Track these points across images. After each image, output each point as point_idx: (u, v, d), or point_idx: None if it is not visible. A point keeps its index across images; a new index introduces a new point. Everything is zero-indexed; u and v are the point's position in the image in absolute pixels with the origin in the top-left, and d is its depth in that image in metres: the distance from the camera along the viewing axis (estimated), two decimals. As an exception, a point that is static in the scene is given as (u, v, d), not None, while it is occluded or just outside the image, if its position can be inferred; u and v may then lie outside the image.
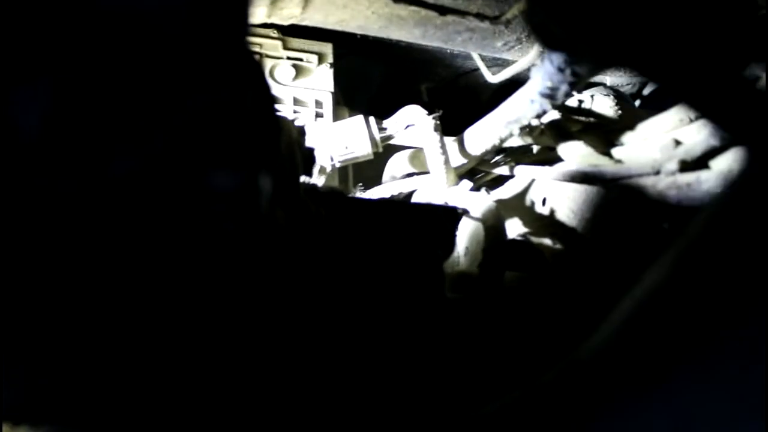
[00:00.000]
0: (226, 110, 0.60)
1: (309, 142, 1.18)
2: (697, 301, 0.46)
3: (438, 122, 1.54)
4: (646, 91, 2.48)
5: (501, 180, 1.78)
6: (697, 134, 1.17)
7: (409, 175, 1.84)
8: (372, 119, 1.62)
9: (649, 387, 0.46)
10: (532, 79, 1.21)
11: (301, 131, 1.16)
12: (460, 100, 2.33)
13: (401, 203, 1.22)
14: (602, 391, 0.49)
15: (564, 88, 1.14)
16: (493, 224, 1.34)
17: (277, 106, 1.82)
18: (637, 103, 2.47)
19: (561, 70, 1.09)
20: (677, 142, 1.19)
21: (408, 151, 1.82)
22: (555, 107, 1.27)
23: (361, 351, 1.05)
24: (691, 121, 1.20)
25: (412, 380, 1.09)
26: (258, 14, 1.40)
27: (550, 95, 1.18)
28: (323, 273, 1.03)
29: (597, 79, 2.15)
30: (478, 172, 1.85)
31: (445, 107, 1.77)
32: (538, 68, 1.16)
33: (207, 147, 0.58)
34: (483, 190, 1.54)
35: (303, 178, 1.17)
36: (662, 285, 0.51)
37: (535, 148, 1.75)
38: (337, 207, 1.17)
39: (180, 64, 0.53)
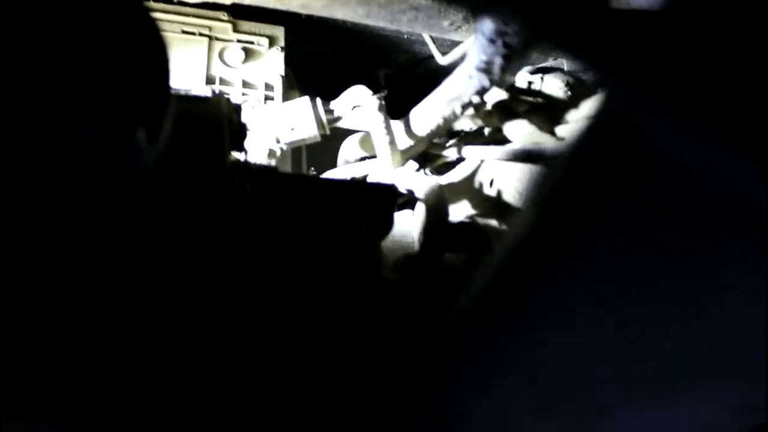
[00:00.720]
0: (97, 67, 0.58)
1: (243, 119, 1.15)
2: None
3: (383, 102, 1.51)
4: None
5: (454, 165, 1.76)
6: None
7: (363, 159, 1.81)
8: (318, 100, 1.59)
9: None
10: (468, 54, 1.19)
11: (235, 107, 1.13)
12: (418, 86, 2.30)
13: (334, 180, 1.19)
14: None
15: (498, 61, 1.12)
16: (434, 204, 1.31)
17: (225, 88, 1.79)
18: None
19: (492, 41, 1.07)
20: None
21: (359, 134, 1.79)
22: (495, 83, 1.24)
23: (278, 333, 1.02)
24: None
25: (338, 361, 1.06)
26: (195, -10, 1.37)
27: (486, 69, 1.16)
28: (244, 246, 1.00)
29: (556, 63, 2.13)
30: (430, 156, 1.82)
31: (403, 93, 1.75)
32: (473, 43, 1.14)
33: (74, 100, 0.56)
34: (429, 171, 1.51)
35: (237, 155, 1.14)
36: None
37: (486, 130, 1.73)
38: (267, 183, 1.14)
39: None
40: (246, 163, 1.19)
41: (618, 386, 0.44)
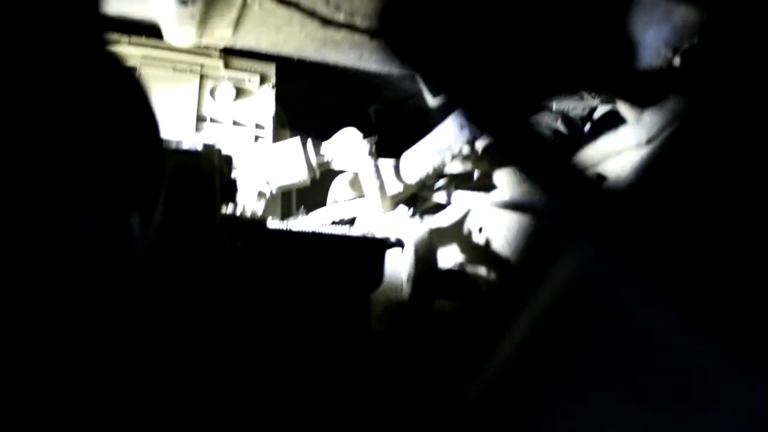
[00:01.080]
0: (92, 162, 0.58)
1: (234, 171, 1.15)
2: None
3: (373, 147, 1.51)
4: (596, 115, 2.47)
5: (444, 205, 1.76)
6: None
7: (353, 198, 1.81)
8: (309, 142, 1.60)
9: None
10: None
11: (226, 160, 1.13)
12: (408, 122, 2.31)
13: (324, 234, 1.19)
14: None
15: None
16: (423, 255, 1.31)
17: (216, 126, 1.79)
18: (587, 127, 2.46)
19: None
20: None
21: (349, 175, 1.79)
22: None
23: (274, 388, 1.02)
24: (619, 153, 1.19)
25: (333, 415, 1.06)
26: (187, 36, 1.37)
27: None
28: (235, 305, 1.00)
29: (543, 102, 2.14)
30: (419, 198, 1.83)
31: (393, 129, 1.75)
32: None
33: (70, 197, 0.56)
34: (417, 217, 1.52)
35: (226, 208, 1.14)
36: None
37: (476, 174, 1.73)
38: (257, 238, 1.14)
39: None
40: (235, 217, 1.19)
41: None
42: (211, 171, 1.06)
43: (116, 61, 0.62)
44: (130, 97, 0.64)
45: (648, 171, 0.42)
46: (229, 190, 1.12)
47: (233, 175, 1.13)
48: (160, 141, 0.70)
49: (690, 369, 0.37)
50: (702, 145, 0.46)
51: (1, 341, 0.54)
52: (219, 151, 1.10)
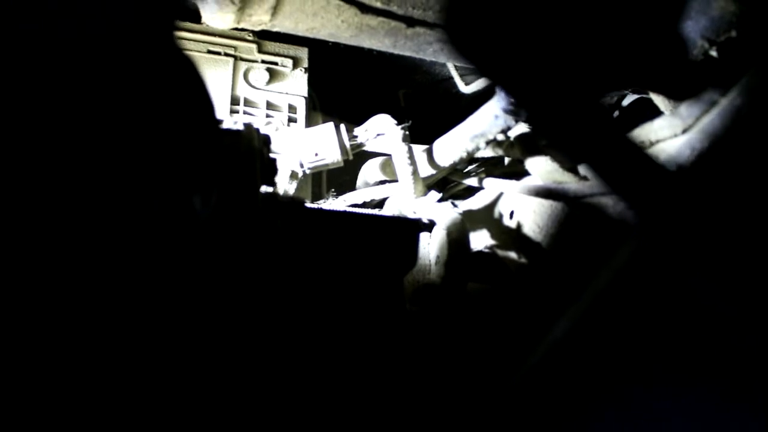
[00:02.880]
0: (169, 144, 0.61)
1: (273, 151, 1.17)
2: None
3: (407, 132, 1.53)
4: (625, 103, 2.47)
5: (472, 190, 1.78)
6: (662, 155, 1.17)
7: (382, 182, 1.84)
8: (343, 127, 1.62)
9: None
10: (497, 94, 1.21)
11: (265, 140, 1.15)
12: (437, 106, 2.33)
13: (361, 214, 1.21)
14: None
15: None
16: (456, 237, 1.33)
17: (250, 109, 1.81)
18: (616, 114, 2.46)
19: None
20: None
21: (380, 159, 1.82)
22: (522, 121, 1.27)
23: (315, 366, 1.04)
24: (654, 143, 1.19)
25: (369, 394, 1.08)
26: (226, 20, 1.40)
27: (513, 111, 1.18)
28: (276, 284, 1.03)
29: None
30: (450, 182, 1.85)
31: (423, 113, 1.77)
32: (502, 84, 1.16)
33: (141, 183, 0.59)
34: (450, 201, 1.54)
35: (265, 188, 1.17)
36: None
37: (507, 160, 1.75)
38: (296, 217, 1.16)
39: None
40: (274, 195, 1.21)
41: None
42: (252, 150, 1.08)
43: (179, 50, 0.65)
44: (193, 86, 0.67)
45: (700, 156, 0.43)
46: (269, 169, 1.14)
47: (272, 155, 1.15)
48: (218, 127, 0.73)
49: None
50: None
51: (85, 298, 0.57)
52: (258, 130, 1.12)
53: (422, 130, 1.74)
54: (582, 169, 1.36)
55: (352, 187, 1.92)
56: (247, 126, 1.12)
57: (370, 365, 1.11)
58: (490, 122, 1.26)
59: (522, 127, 1.54)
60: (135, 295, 0.59)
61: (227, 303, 0.85)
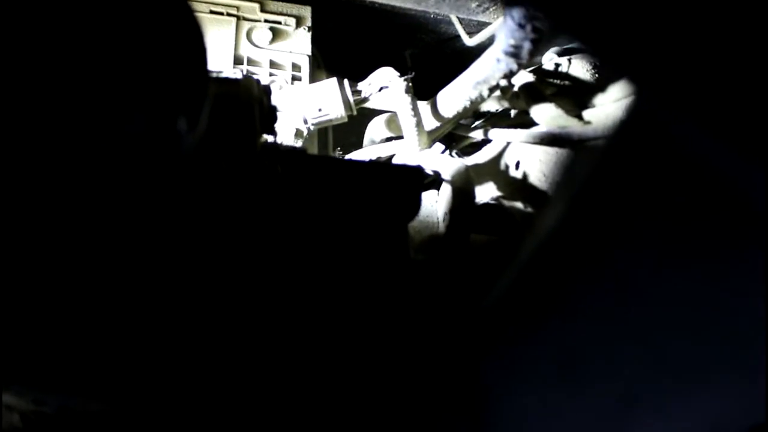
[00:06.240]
0: (140, 61, 0.60)
1: (273, 101, 1.17)
2: (576, 243, 0.46)
3: (410, 84, 1.52)
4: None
5: (478, 146, 1.76)
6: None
7: (389, 139, 1.83)
8: (346, 81, 1.61)
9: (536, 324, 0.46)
10: (497, 38, 1.19)
11: (265, 90, 1.15)
12: (443, 65, 2.30)
13: (363, 163, 1.20)
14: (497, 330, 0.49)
15: (527, 45, 1.12)
16: (460, 186, 1.32)
17: (253, 68, 1.80)
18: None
19: (522, 26, 1.07)
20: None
21: (385, 115, 1.80)
22: (524, 67, 1.25)
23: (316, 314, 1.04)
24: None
25: (366, 343, 1.08)
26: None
27: (514, 53, 1.16)
28: (277, 227, 1.02)
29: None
30: (457, 138, 1.83)
31: (429, 73, 1.75)
32: (501, 26, 1.14)
33: (121, 95, 0.58)
34: (455, 153, 1.53)
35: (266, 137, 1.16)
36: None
37: (513, 112, 1.73)
38: (297, 164, 1.15)
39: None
40: (275, 144, 1.21)
41: (639, 379, 0.46)
42: (251, 97, 1.08)
43: None
44: (183, 17, 0.66)
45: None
46: (269, 118, 1.14)
47: (273, 104, 1.15)
48: (206, 57, 0.72)
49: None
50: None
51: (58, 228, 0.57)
52: (258, 81, 1.12)
53: (428, 90, 1.72)
54: (586, 114, 1.35)
55: (358, 147, 1.92)
56: (246, 76, 1.11)
57: (372, 312, 1.10)
58: (492, 67, 1.24)
59: (526, 76, 1.52)
60: (113, 219, 0.59)
61: (218, 242, 0.85)
